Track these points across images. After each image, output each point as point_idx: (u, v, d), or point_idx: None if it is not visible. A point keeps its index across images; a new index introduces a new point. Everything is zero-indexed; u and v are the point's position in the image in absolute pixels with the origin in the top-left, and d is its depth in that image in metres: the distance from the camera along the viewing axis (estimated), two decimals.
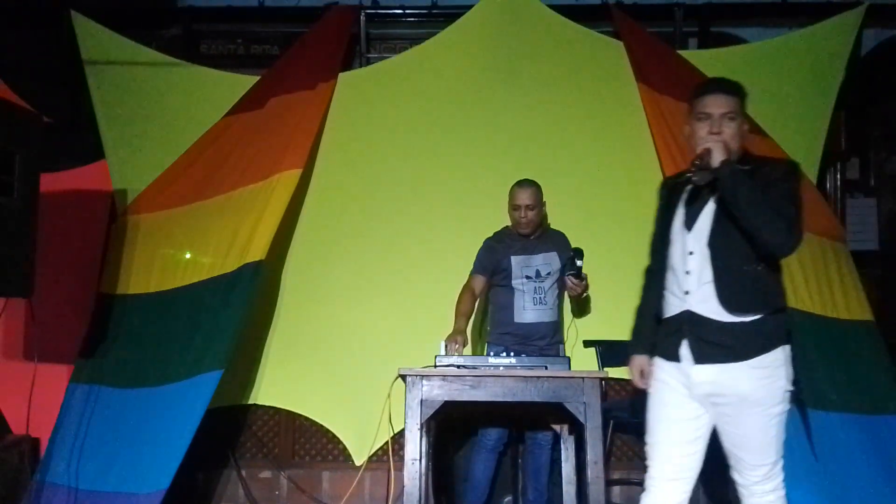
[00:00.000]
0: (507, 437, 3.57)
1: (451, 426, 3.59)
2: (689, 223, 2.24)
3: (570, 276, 3.37)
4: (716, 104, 2.22)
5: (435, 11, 4.19)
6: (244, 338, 3.71)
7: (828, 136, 4.13)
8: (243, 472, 4.03)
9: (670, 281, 2.29)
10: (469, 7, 3.97)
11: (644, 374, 2.31)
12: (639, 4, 4.19)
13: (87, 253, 4.06)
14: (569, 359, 3.03)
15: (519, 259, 3.54)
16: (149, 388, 3.52)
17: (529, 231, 3.55)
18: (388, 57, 4.12)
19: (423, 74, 3.99)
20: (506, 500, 3.82)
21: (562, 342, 3.65)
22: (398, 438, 3.11)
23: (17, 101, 3.79)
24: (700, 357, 2.16)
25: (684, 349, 2.18)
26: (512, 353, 3.08)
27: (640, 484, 3.82)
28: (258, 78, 4.06)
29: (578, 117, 4.00)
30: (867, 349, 3.51)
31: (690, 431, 2.19)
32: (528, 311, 3.54)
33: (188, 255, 3.81)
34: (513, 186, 3.56)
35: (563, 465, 3.18)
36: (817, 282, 3.64)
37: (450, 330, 3.34)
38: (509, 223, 3.60)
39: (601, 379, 2.75)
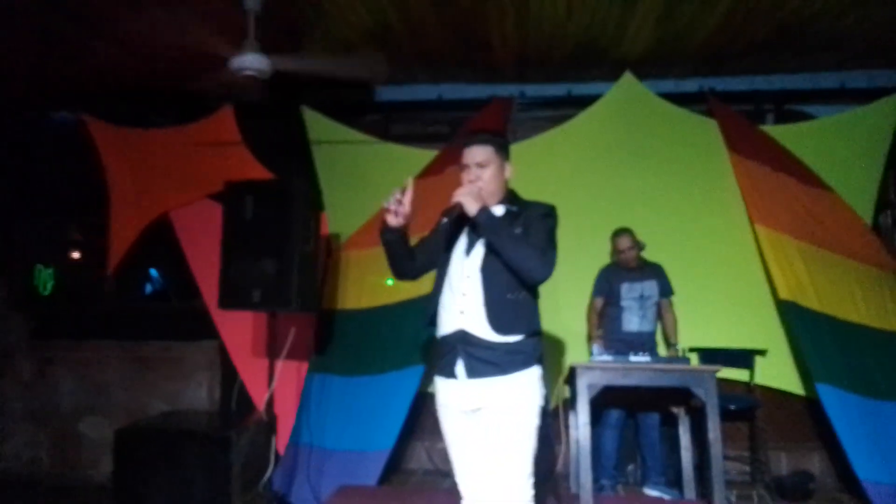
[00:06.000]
0: (626, 417, 4.32)
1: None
2: (468, 250, 2.23)
3: None
4: (470, 155, 2.24)
5: (569, 99, 5.05)
6: None
7: (881, 188, 4.75)
8: (426, 444, 4.92)
9: (447, 300, 2.24)
10: (596, 97, 4.83)
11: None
12: (728, 91, 4.96)
13: None
14: (688, 359, 3.82)
15: (627, 285, 4.36)
16: (370, 375, 4.45)
17: (634, 265, 4.36)
18: (535, 135, 4.91)
19: (562, 147, 4.83)
20: (629, 467, 4.61)
21: (655, 347, 4.38)
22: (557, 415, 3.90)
23: (268, 176, 4.85)
24: (472, 372, 2.14)
25: (459, 366, 2.16)
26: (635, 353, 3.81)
27: (731, 458, 4.57)
28: (435, 152, 4.97)
29: (682, 178, 4.75)
30: None
31: (476, 442, 2.18)
32: (633, 322, 4.35)
33: (391, 282, 4.78)
34: (612, 236, 4.39)
35: (682, 437, 3.94)
36: (875, 302, 4.31)
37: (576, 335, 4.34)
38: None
39: (715, 371, 3.46)
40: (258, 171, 4.94)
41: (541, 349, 2.25)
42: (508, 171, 2.32)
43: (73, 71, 4.85)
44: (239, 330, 4.93)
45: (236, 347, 4.99)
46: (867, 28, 4.29)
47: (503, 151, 2.30)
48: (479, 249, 2.21)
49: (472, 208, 2.12)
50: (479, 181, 2.22)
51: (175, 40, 3.34)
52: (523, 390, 2.15)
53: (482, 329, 2.15)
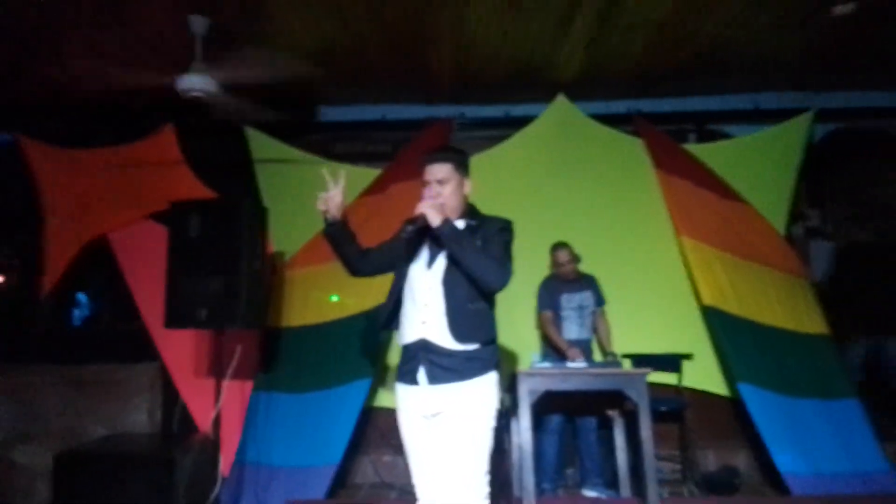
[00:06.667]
0: (565, 423, 4.52)
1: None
2: (430, 263, 2.35)
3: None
4: (431, 172, 2.35)
5: (506, 119, 5.31)
6: None
7: (793, 199, 5.17)
8: (372, 457, 4.98)
9: (409, 311, 2.35)
10: (532, 117, 5.09)
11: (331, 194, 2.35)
12: (653, 112, 5.31)
13: None
14: (620, 363, 4.07)
15: (567, 296, 4.59)
16: (316, 391, 4.51)
17: (572, 277, 4.60)
18: (474, 154, 4.99)
19: (500, 166, 5.04)
20: (569, 470, 4.81)
21: (592, 354, 4.59)
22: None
23: (210, 195, 4.88)
24: (433, 378, 2.26)
25: (421, 373, 2.27)
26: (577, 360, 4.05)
27: (663, 458, 4.82)
28: (378, 170, 5.13)
29: (612, 193, 5.05)
30: (825, 353, 4.54)
31: (435, 447, 2.27)
32: (572, 331, 4.57)
33: (335, 298, 4.88)
34: (552, 249, 4.59)
35: (617, 438, 4.18)
36: (790, 306, 4.68)
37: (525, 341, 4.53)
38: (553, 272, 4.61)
39: (646, 374, 3.70)
40: (200, 191, 4.97)
41: (498, 356, 2.37)
42: (468, 186, 2.43)
43: (10, 90, 4.79)
44: (181, 351, 4.92)
45: (178, 368, 4.96)
46: (778, 54, 4.70)
47: (462, 168, 2.42)
48: (441, 262, 2.33)
49: (434, 220, 2.24)
50: (440, 197, 2.32)
51: (120, 63, 3.38)
52: (481, 395, 2.27)
53: (443, 338, 2.27)
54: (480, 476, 2.24)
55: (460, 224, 2.38)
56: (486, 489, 2.27)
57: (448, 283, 2.29)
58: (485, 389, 2.29)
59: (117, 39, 3.39)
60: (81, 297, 5.75)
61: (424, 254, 2.39)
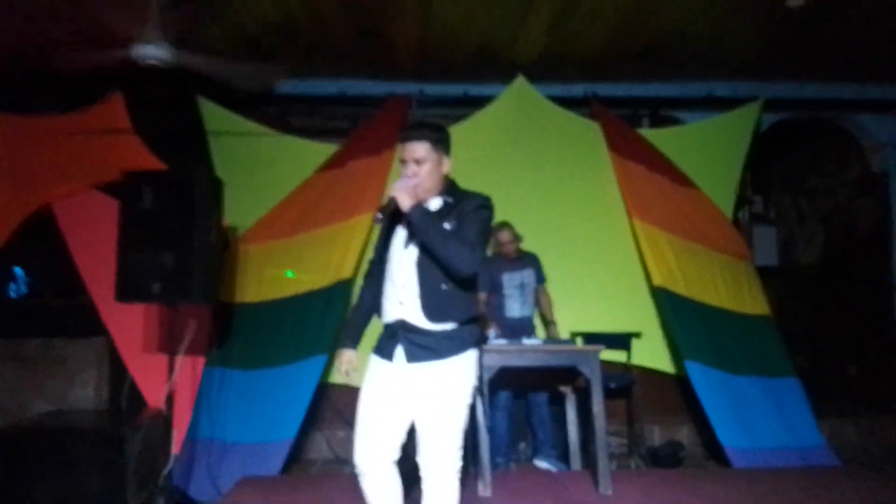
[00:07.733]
0: (515, 398, 4.62)
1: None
2: (406, 244, 2.34)
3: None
4: (408, 151, 2.31)
5: (466, 99, 5.32)
6: None
7: (740, 185, 5.36)
8: (326, 434, 5.01)
9: (388, 291, 2.37)
10: (491, 97, 5.12)
11: (349, 365, 2.44)
12: (609, 96, 5.42)
13: None
14: (574, 340, 4.18)
15: (508, 275, 4.67)
16: (272, 368, 4.49)
17: (514, 256, 4.68)
18: None
19: (458, 145, 5.01)
20: (521, 444, 4.93)
21: (534, 330, 4.70)
22: None
23: (161, 167, 4.75)
24: (411, 357, 2.27)
25: (398, 351, 2.29)
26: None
27: (611, 433, 4.98)
28: (335, 145, 5.09)
29: (567, 175, 5.14)
30: (766, 334, 4.76)
31: (392, 423, 2.29)
32: (515, 309, 4.67)
33: (291, 274, 4.84)
34: (494, 230, 4.55)
35: (569, 413, 4.31)
36: (734, 288, 4.87)
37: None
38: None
39: (599, 351, 3.80)
40: (150, 162, 4.82)
41: (477, 334, 2.38)
42: (446, 165, 2.39)
43: None
44: (130, 326, 4.79)
45: (126, 344, 4.84)
46: (732, 44, 4.84)
47: (440, 146, 2.37)
48: (416, 243, 2.31)
49: (405, 204, 2.21)
50: (416, 178, 2.28)
51: (70, 30, 3.22)
52: (459, 373, 2.29)
53: (418, 318, 2.28)
54: (454, 451, 2.27)
55: (437, 201, 2.37)
56: (459, 463, 2.31)
57: (422, 264, 2.29)
58: (462, 367, 2.30)
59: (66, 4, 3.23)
60: (18, 270, 5.54)
61: (402, 235, 2.37)
